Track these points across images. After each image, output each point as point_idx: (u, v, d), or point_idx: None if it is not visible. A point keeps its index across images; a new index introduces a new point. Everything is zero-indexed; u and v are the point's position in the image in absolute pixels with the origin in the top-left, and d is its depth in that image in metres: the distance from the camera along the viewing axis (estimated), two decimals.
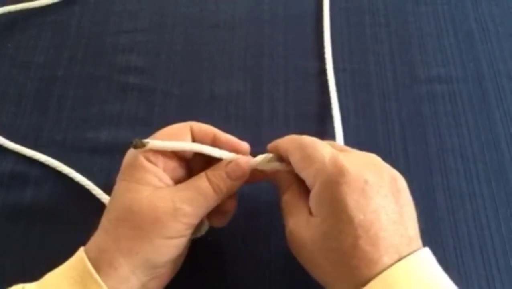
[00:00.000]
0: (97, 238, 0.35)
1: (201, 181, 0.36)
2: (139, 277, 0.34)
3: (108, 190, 0.44)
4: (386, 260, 0.30)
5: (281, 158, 0.38)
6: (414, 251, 0.31)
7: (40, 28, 0.56)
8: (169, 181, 0.37)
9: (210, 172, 0.37)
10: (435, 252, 0.33)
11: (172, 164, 0.37)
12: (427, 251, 0.32)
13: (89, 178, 0.46)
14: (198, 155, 0.39)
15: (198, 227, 0.39)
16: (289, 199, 0.37)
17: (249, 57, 0.54)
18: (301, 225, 0.34)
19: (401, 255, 0.31)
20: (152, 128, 0.50)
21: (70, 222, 0.38)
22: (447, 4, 0.56)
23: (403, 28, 0.55)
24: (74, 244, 0.35)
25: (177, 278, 0.41)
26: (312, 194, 0.34)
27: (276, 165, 0.38)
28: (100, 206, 0.44)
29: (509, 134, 0.48)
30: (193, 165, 0.40)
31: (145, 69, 0.53)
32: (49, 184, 0.46)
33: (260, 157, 0.39)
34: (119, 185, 0.36)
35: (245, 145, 0.39)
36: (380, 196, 0.32)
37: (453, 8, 0.56)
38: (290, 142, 0.37)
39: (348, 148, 0.38)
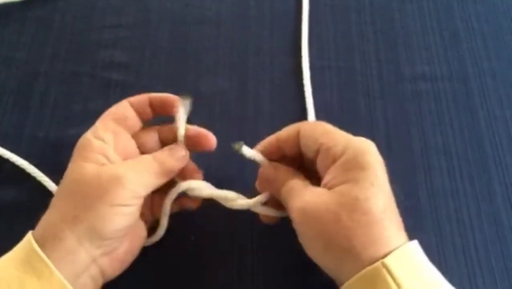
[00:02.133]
0: (44, 217, 0.35)
1: (146, 156, 0.38)
2: (87, 249, 0.34)
3: None
4: (396, 237, 0.33)
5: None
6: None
7: (22, 23, 0.55)
8: (115, 158, 0.37)
9: (156, 152, 0.39)
10: None
11: (122, 141, 0.38)
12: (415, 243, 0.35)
13: None
14: (149, 134, 0.41)
15: (153, 230, 0.40)
16: (295, 183, 0.37)
17: (235, 54, 0.53)
18: (319, 197, 0.34)
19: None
20: None
21: None
22: (433, 2, 0.56)
23: (389, 26, 0.55)
24: None
25: (158, 276, 0.41)
26: (338, 163, 0.35)
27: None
28: None
29: (492, 133, 0.48)
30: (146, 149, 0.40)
31: (129, 65, 0.52)
32: (30, 182, 0.46)
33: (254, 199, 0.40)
34: (67, 169, 0.37)
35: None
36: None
37: (439, 6, 0.56)
38: (301, 129, 0.39)
39: None
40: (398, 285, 0.30)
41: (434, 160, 0.47)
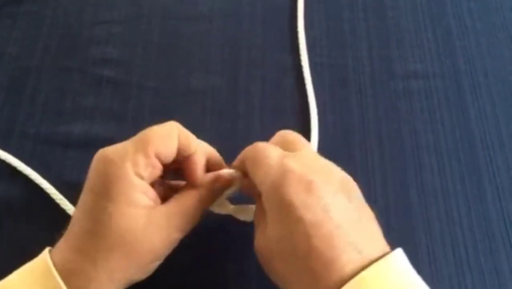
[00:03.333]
0: (78, 262, 0.32)
1: (192, 203, 0.36)
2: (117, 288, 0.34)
3: (78, 186, 0.43)
4: (345, 257, 0.29)
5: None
6: (386, 253, 0.30)
7: (14, 18, 0.55)
8: (153, 194, 0.35)
9: (203, 192, 0.37)
10: (407, 249, 0.33)
11: (158, 172, 0.35)
12: (399, 253, 0.31)
13: (62, 172, 0.46)
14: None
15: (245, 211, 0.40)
16: (256, 213, 0.36)
17: (227, 51, 0.53)
18: (261, 236, 0.33)
19: (363, 252, 0.30)
20: (126, 122, 0.50)
21: (37, 220, 0.38)
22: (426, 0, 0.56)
23: (382, 23, 0.55)
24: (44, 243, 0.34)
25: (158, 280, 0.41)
26: (262, 199, 0.33)
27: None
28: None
29: (483, 131, 0.48)
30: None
31: (120, 61, 0.52)
32: (20, 179, 0.45)
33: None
34: (104, 207, 0.32)
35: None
36: (330, 194, 0.31)
37: (432, 3, 0.56)
38: (247, 151, 0.37)
39: (305, 146, 0.37)
40: None
41: (425, 159, 0.47)
